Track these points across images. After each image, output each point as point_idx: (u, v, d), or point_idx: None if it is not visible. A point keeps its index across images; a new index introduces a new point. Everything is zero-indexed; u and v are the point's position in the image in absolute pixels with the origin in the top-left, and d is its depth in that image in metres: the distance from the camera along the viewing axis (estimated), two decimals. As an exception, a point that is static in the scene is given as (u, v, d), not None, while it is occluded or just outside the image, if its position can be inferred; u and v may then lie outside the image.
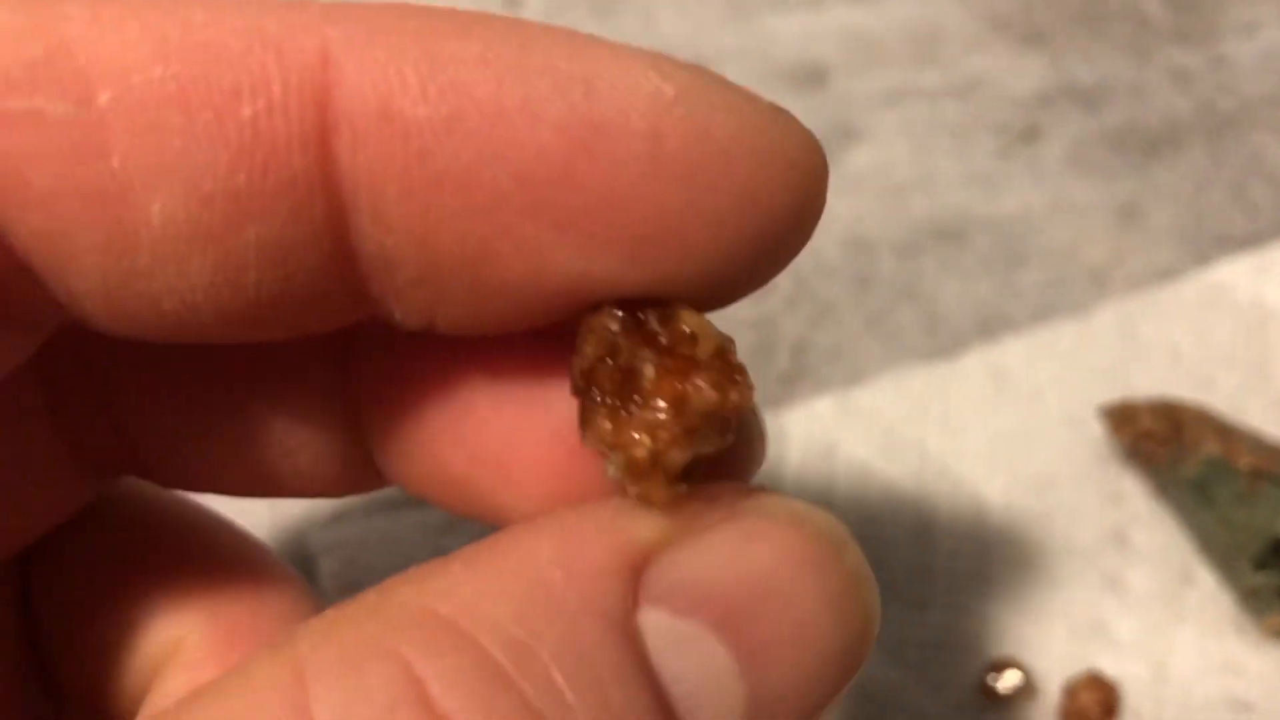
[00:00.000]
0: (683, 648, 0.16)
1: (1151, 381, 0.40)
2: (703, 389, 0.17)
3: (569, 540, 0.16)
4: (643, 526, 0.17)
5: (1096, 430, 0.38)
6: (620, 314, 0.18)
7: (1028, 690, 0.33)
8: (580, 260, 0.17)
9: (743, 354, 0.18)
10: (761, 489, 0.18)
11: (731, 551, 0.16)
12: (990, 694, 0.33)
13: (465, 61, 0.16)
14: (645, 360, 0.17)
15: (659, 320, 0.18)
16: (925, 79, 0.49)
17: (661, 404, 0.17)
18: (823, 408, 0.39)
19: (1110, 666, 0.34)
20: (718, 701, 0.16)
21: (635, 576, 0.16)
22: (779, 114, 0.17)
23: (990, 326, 0.42)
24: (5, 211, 0.16)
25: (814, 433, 0.38)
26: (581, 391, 0.18)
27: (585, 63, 0.16)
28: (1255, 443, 0.35)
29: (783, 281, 0.42)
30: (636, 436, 0.17)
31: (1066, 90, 0.49)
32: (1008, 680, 0.33)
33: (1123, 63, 0.50)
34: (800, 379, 0.40)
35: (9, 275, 0.17)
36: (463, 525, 0.34)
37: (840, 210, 0.44)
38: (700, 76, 0.17)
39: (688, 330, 0.18)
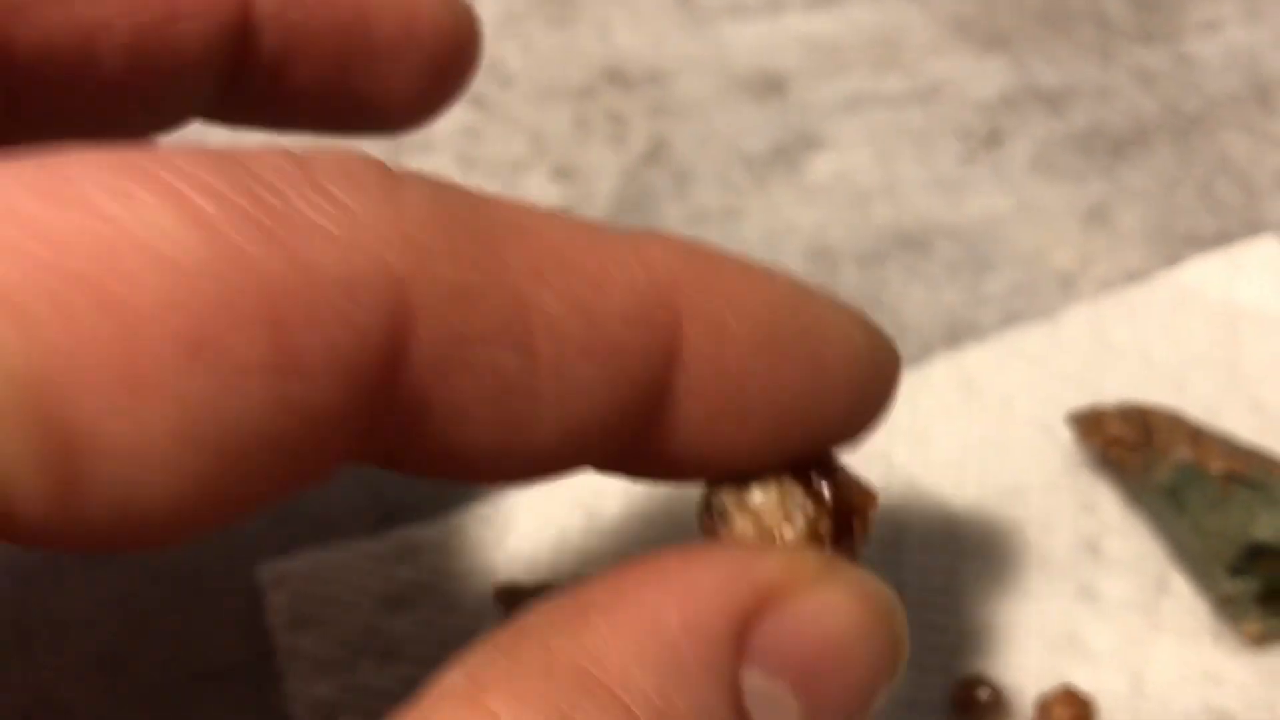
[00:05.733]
0: (771, 706, 0.18)
1: (1123, 385, 0.39)
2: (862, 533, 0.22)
3: (691, 597, 0.18)
4: (747, 586, 0.19)
5: (1067, 437, 0.37)
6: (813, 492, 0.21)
7: (1001, 705, 0.32)
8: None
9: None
10: (836, 560, 0.20)
11: (815, 620, 0.19)
12: (963, 710, 0.32)
13: None
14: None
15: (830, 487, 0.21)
16: (886, 85, 0.48)
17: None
18: (787, 421, 0.38)
19: (1085, 679, 0.33)
20: None
21: (740, 635, 0.18)
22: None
23: (958, 334, 0.41)
24: None
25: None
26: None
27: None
28: (1227, 446, 0.34)
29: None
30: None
31: (1030, 93, 0.48)
32: (980, 696, 0.32)
33: (1086, 64, 0.49)
34: (764, 392, 0.39)
35: None
36: (415, 557, 0.33)
37: (802, 220, 0.44)
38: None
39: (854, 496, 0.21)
